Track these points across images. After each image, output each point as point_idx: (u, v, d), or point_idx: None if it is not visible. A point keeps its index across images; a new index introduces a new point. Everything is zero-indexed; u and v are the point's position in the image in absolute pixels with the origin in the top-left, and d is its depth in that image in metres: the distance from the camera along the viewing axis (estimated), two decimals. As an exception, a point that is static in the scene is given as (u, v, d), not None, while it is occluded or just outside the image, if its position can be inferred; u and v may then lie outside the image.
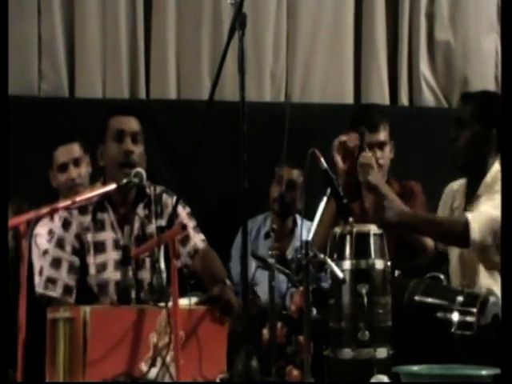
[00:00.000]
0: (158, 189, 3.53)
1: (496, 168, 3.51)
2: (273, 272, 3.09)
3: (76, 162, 4.12)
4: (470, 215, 3.32)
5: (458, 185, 3.73)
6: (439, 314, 3.06)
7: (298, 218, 4.64)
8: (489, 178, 3.51)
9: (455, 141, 3.56)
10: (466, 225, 3.28)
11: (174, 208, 3.22)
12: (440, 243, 3.67)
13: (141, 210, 3.44)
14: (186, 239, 3.48)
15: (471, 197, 3.56)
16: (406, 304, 3.08)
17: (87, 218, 3.43)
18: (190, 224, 3.53)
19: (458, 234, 3.31)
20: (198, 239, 3.52)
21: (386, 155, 4.12)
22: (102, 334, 2.82)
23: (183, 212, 3.52)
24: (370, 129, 4.11)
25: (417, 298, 3.10)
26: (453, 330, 3.01)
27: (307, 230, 4.49)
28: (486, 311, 3.03)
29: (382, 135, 4.10)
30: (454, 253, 3.61)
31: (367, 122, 4.14)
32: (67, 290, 3.40)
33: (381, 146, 4.10)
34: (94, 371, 2.78)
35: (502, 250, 2.86)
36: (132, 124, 3.48)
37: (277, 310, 3.11)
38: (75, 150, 4.15)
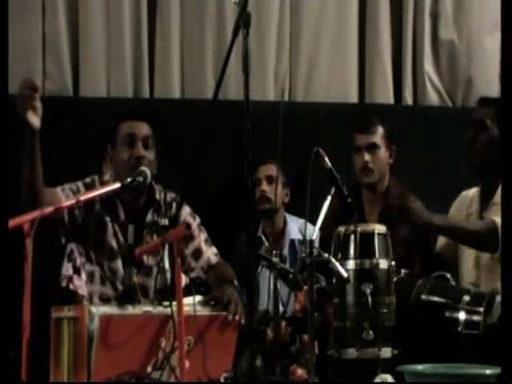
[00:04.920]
0: (169, 196, 3.50)
1: None
2: (277, 271, 3.09)
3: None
4: (498, 220, 3.28)
5: (472, 192, 3.71)
6: (446, 314, 3.05)
7: (288, 216, 4.65)
8: None
9: (473, 142, 3.56)
10: (495, 230, 3.26)
11: (179, 208, 3.22)
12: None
13: (150, 216, 3.42)
14: (198, 253, 3.46)
15: (487, 203, 3.54)
16: (413, 303, 3.08)
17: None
18: (202, 237, 3.50)
19: (488, 240, 3.28)
20: (210, 253, 3.49)
21: (379, 159, 4.10)
22: (109, 340, 2.80)
23: (194, 223, 3.48)
24: (360, 130, 4.12)
25: (423, 297, 3.10)
26: (459, 329, 3.01)
27: (298, 227, 4.57)
28: (492, 310, 3.03)
29: (373, 137, 4.09)
30: (469, 257, 3.57)
31: (358, 124, 4.15)
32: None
33: (371, 148, 4.09)
34: (100, 377, 2.76)
35: (502, 250, 2.85)
36: (143, 129, 3.45)
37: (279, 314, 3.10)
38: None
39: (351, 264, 2.97)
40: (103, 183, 3.40)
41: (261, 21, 4.95)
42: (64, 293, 3.53)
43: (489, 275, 3.48)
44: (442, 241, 3.76)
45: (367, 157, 4.07)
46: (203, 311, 3.02)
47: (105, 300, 3.36)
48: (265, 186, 4.60)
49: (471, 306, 3.05)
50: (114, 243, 3.37)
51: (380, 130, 4.13)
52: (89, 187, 3.33)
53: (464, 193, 3.78)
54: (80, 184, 3.37)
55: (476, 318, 3.03)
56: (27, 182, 3.07)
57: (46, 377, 2.94)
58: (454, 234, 3.40)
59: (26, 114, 2.98)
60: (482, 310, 3.03)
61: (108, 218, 3.38)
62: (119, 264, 3.36)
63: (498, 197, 3.50)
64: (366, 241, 2.98)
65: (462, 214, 3.69)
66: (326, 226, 3.23)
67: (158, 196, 3.46)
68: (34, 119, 3.01)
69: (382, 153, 4.12)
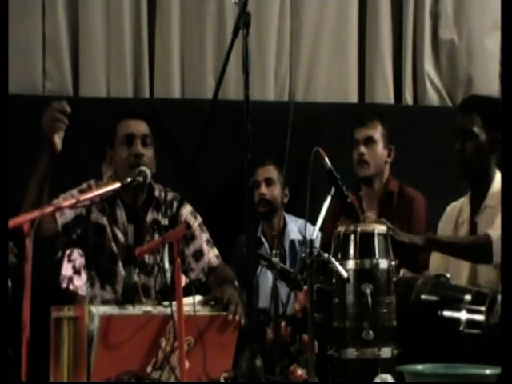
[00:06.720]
0: (170, 195, 3.48)
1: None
2: (277, 271, 3.09)
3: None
4: (491, 233, 3.26)
5: (460, 202, 3.66)
6: (447, 313, 3.05)
7: (287, 217, 4.65)
8: (495, 187, 3.45)
9: (461, 152, 3.51)
10: (489, 244, 3.24)
11: (178, 208, 3.21)
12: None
13: (150, 215, 3.41)
14: (199, 254, 3.43)
15: (477, 206, 3.51)
16: (413, 303, 3.07)
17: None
18: (203, 237, 3.46)
19: (482, 253, 3.26)
20: (212, 255, 3.45)
21: (376, 153, 4.17)
22: (109, 340, 2.80)
23: (195, 223, 3.45)
24: (358, 125, 4.18)
25: (424, 296, 3.09)
26: (461, 328, 3.00)
27: (297, 228, 4.58)
28: (494, 310, 3.02)
29: (371, 131, 4.17)
30: (465, 266, 3.55)
31: (358, 120, 4.22)
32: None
33: (368, 141, 4.16)
34: (100, 377, 2.75)
35: (503, 251, 2.84)
36: (141, 127, 3.43)
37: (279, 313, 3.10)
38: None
39: (351, 264, 2.96)
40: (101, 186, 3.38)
41: (261, 21, 4.96)
42: (64, 293, 3.53)
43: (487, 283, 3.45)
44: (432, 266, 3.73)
45: (363, 149, 4.16)
46: (203, 311, 3.02)
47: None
48: (263, 189, 4.59)
49: (473, 306, 3.04)
50: (113, 247, 3.36)
51: (378, 126, 4.20)
52: (85, 193, 3.30)
53: (451, 205, 3.74)
54: (75, 192, 3.35)
55: (478, 317, 3.01)
56: (32, 202, 3.08)
57: (46, 377, 2.94)
58: (449, 250, 3.39)
59: (52, 135, 3.09)
60: (483, 309, 3.02)
61: (106, 222, 3.36)
62: (120, 267, 3.35)
63: (489, 200, 3.47)
64: (365, 241, 2.98)
65: (450, 226, 3.65)
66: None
67: (157, 194, 3.45)
68: (59, 142, 3.11)
69: (379, 148, 4.18)
